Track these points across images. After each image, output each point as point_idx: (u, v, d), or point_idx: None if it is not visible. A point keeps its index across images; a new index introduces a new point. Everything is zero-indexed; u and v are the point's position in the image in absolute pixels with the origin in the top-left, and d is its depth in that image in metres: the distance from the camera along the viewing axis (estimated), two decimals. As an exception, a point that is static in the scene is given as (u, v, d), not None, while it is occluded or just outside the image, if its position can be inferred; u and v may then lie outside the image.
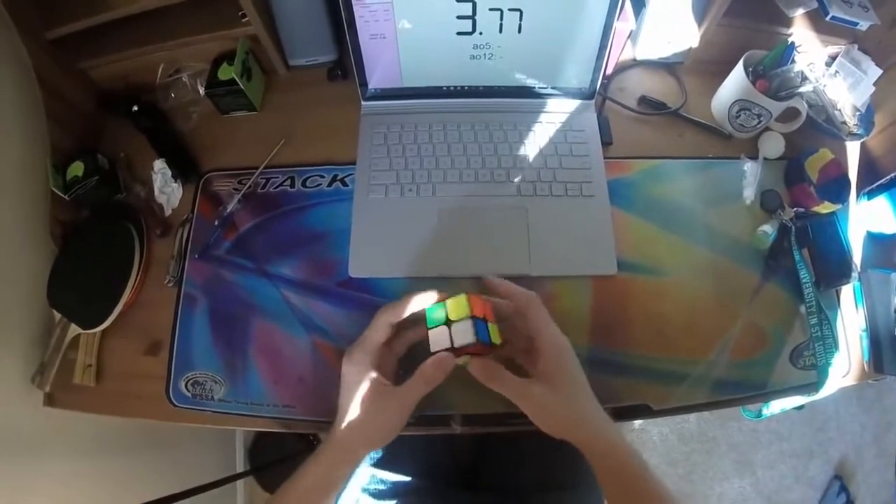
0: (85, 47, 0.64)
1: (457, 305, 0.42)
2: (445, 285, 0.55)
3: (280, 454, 1.20)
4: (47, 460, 0.61)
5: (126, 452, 0.76)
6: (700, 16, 0.63)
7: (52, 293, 0.58)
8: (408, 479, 0.63)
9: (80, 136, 0.66)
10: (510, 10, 0.53)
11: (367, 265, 0.57)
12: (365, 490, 0.63)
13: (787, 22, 0.65)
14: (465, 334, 0.41)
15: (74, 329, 0.57)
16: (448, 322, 0.42)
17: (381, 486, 0.63)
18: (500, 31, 0.55)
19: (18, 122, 0.58)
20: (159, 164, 0.62)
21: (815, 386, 0.55)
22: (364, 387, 0.44)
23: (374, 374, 0.44)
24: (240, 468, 1.22)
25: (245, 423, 0.54)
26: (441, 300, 0.44)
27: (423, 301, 0.46)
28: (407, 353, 0.50)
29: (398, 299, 0.46)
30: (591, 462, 0.42)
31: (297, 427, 0.54)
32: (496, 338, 0.43)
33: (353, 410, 0.44)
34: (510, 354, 0.49)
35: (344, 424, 0.44)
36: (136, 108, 0.65)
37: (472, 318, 0.41)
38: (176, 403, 0.54)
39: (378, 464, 0.64)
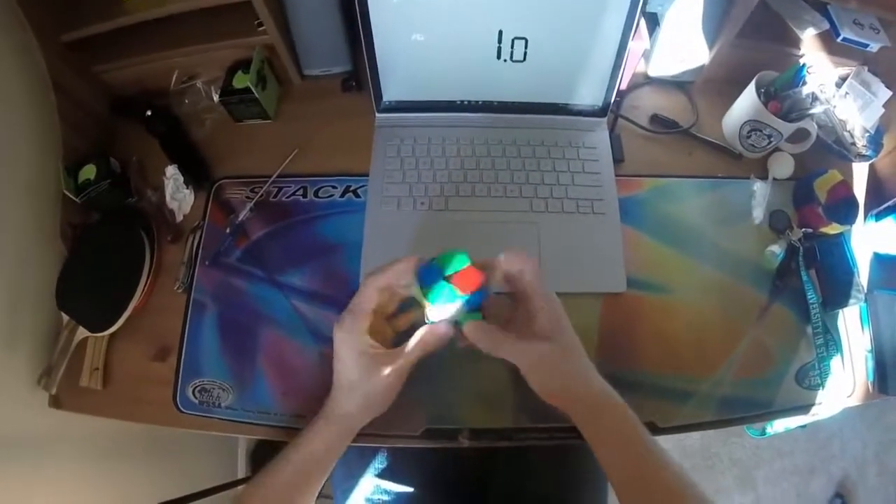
0: (100, 51, 0.64)
1: (467, 279, 0.41)
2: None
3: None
4: (50, 461, 0.61)
5: (128, 455, 0.75)
6: (712, 35, 0.64)
7: (61, 296, 0.58)
8: (412, 490, 0.63)
9: (93, 140, 0.66)
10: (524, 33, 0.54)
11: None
12: (368, 500, 0.63)
13: (798, 43, 0.65)
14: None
15: (82, 332, 0.57)
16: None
17: (385, 497, 0.63)
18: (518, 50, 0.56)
19: (31, 124, 0.58)
20: (171, 170, 0.62)
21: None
22: (357, 353, 0.42)
23: (366, 339, 0.43)
24: (241, 474, 1.21)
25: (251, 431, 0.54)
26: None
27: (407, 266, 0.43)
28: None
29: (382, 264, 0.44)
30: (584, 421, 0.42)
31: (303, 437, 0.54)
32: None
33: (349, 380, 0.43)
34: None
35: (342, 395, 0.44)
36: (149, 112, 0.65)
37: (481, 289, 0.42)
38: (182, 409, 0.54)
39: (382, 474, 0.64)
